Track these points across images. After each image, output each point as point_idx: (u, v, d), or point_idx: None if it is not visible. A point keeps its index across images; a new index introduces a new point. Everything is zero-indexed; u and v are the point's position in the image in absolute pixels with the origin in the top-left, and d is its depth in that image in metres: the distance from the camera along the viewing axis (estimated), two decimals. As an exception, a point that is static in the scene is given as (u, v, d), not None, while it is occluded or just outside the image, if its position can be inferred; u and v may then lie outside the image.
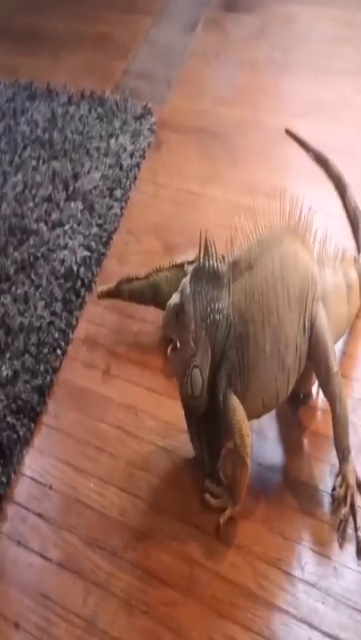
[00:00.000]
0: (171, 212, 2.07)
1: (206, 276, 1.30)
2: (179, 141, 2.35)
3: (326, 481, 1.39)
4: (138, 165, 2.22)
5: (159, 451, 1.48)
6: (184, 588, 1.28)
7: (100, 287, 1.76)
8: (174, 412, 1.45)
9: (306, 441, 1.48)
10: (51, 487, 1.46)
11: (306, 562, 1.28)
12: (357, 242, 1.85)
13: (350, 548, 1.29)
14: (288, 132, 1.88)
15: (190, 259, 1.64)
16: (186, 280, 1.29)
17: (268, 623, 1.21)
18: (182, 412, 1.37)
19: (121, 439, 1.52)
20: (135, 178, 2.19)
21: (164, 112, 2.47)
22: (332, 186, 2.06)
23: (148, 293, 1.71)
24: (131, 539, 1.36)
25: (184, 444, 1.43)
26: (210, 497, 1.38)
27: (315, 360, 1.39)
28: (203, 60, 2.79)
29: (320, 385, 1.42)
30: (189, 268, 1.54)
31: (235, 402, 1.31)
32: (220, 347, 1.31)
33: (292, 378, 1.38)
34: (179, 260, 1.69)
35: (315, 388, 1.50)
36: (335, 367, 1.38)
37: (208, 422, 1.35)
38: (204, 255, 1.30)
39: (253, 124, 2.41)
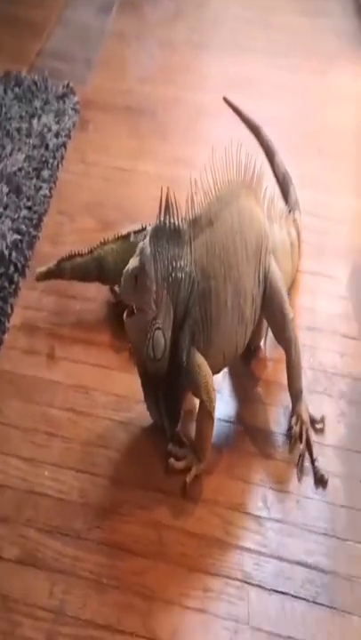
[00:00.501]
0: (103, 189, 2.01)
1: (167, 234, 1.28)
2: (105, 120, 2.30)
3: (281, 423, 1.47)
4: (64, 145, 2.15)
5: (115, 425, 1.44)
6: (154, 552, 1.27)
7: (39, 269, 1.67)
8: (126, 384, 1.45)
9: (258, 390, 1.54)
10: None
11: (270, 501, 1.34)
12: (288, 204, 1.88)
13: (309, 479, 1.38)
14: (226, 100, 1.89)
15: (137, 228, 1.59)
16: (145, 241, 1.26)
17: (240, 566, 1.26)
18: (137, 382, 1.36)
19: (73, 420, 1.45)
20: (62, 158, 2.11)
21: (87, 92, 2.41)
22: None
23: (93, 269, 1.64)
24: (94, 518, 1.30)
25: (140, 414, 1.44)
26: (174, 461, 1.38)
27: (271, 309, 1.44)
28: (122, 40, 2.76)
29: (275, 332, 1.47)
30: (138, 238, 1.52)
31: (199, 358, 1.31)
32: (183, 304, 1.29)
33: (249, 330, 1.42)
34: (124, 232, 1.63)
35: (262, 340, 1.58)
36: (291, 314, 1.45)
37: (167, 385, 1.33)
38: (164, 213, 1.28)
39: (178, 101, 2.41)
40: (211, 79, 2.53)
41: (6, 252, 1.79)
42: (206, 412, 1.32)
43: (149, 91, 2.44)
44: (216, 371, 1.39)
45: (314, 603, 1.21)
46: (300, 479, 1.38)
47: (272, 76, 2.58)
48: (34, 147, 2.12)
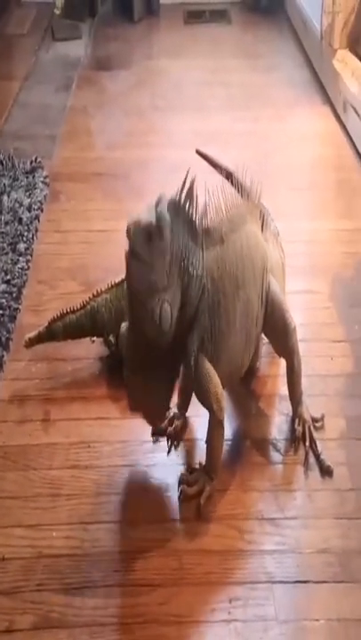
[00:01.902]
0: (83, 252, 2.11)
1: (183, 219, 1.29)
2: (77, 189, 2.42)
3: (283, 430, 1.59)
4: (38, 218, 2.25)
5: (122, 470, 1.48)
6: (176, 579, 1.31)
7: (27, 335, 1.73)
8: (129, 429, 1.52)
9: (259, 404, 1.66)
10: (4, 558, 1.36)
11: (283, 502, 1.43)
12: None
13: (315, 474, 1.50)
14: (198, 152, 1.98)
15: None
16: (162, 208, 1.24)
17: (263, 568, 1.33)
18: (141, 424, 1.44)
19: (77, 476, 1.47)
20: (37, 230, 2.21)
21: (55, 165, 2.55)
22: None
23: (87, 323, 1.70)
24: (111, 563, 1.32)
25: (146, 454, 1.52)
26: (186, 487, 1.43)
27: (272, 322, 1.51)
28: (84, 114, 2.95)
29: (278, 345, 1.58)
30: None
31: (209, 368, 1.36)
32: (192, 304, 1.32)
33: (252, 351, 1.51)
34: (118, 279, 1.70)
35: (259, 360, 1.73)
36: (293, 323, 1.53)
37: (162, 369, 1.38)
38: (186, 196, 1.28)
39: (151, 161, 2.56)
40: (178, 137, 2.71)
41: (-12, 329, 1.85)
42: (216, 422, 1.39)
43: (120, 155, 2.59)
44: (225, 381, 1.43)
45: (335, 582, 1.30)
46: (307, 475, 1.49)
47: (235, 128, 2.82)
48: (6, 223, 2.22)
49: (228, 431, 1.53)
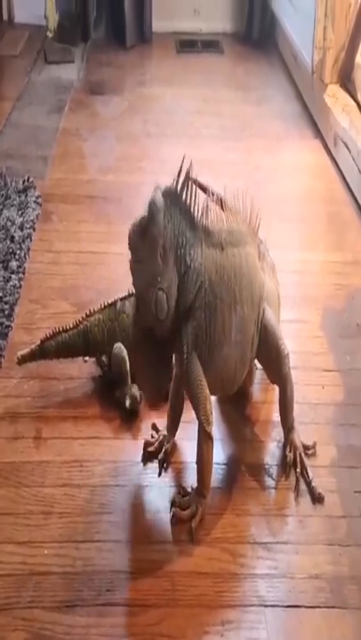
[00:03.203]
0: (75, 273, 2.15)
1: (181, 208, 1.33)
2: (69, 210, 2.47)
3: (276, 456, 1.64)
4: (30, 237, 2.29)
5: (114, 490, 1.52)
6: (168, 600, 1.33)
7: (20, 352, 1.76)
8: (121, 449, 1.57)
9: (252, 430, 1.71)
10: (-5, 575, 1.39)
11: (275, 527, 1.47)
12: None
13: (307, 500, 1.54)
14: (194, 182, 2.04)
15: (122, 296, 1.72)
16: (156, 195, 1.30)
17: (255, 592, 1.36)
18: (132, 445, 1.53)
19: (70, 495, 1.50)
20: (29, 249, 2.25)
21: (47, 186, 2.61)
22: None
23: (79, 343, 1.74)
24: (102, 583, 1.35)
25: (138, 475, 1.56)
26: (179, 510, 1.46)
27: (266, 348, 1.56)
28: (77, 136, 3.01)
29: (271, 371, 1.62)
30: (125, 304, 1.68)
31: (200, 375, 1.40)
32: (188, 297, 1.36)
33: (245, 371, 1.56)
34: (110, 300, 1.75)
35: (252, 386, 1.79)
36: (286, 350, 1.58)
37: (159, 356, 1.43)
38: (183, 184, 1.33)
39: (143, 186, 2.57)
40: (171, 164, 2.72)
41: (-19, 343, 1.88)
42: (205, 435, 1.43)
43: (112, 179, 2.65)
44: (212, 395, 1.48)
45: (327, 608, 1.33)
46: (298, 501, 1.53)
47: (227, 157, 2.92)
48: (-2, 240, 2.26)
49: (221, 456, 1.60)
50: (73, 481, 1.53)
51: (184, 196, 1.35)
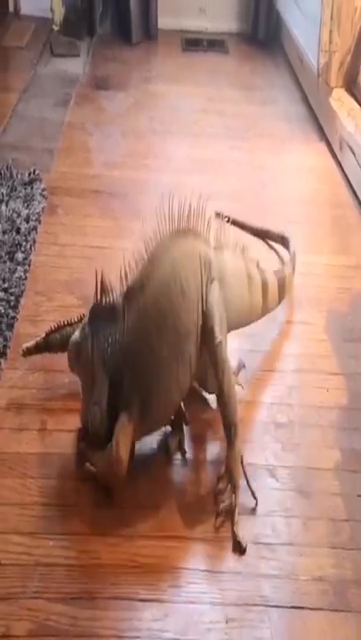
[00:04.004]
0: (81, 266, 2.16)
1: (103, 313, 1.49)
2: (75, 204, 2.48)
3: (279, 457, 1.65)
4: (35, 229, 2.30)
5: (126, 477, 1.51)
6: (172, 595, 1.35)
7: (25, 344, 1.77)
8: None
9: (248, 431, 1.70)
10: (0, 563, 1.40)
11: (279, 528, 1.49)
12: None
13: (311, 501, 1.56)
14: (220, 216, 2.05)
15: None
16: (85, 321, 1.52)
17: (259, 592, 1.37)
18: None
19: (74, 488, 1.51)
20: (35, 241, 2.26)
21: (53, 179, 2.61)
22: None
23: None
24: (107, 576, 1.36)
25: (145, 468, 1.58)
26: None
27: (203, 330, 1.51)
28: (82, 130, 3.02)
29: (208, 354, 1.52)
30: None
31: (123, 426, 1.46)
32: (118, 374, 1.47)
33: (194, 364, 1.52)
34: None
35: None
36: (219, 337, 1.50)
37: None
38: (100, 294, 1.49)
39: (149, 183, 2.63)
40: (176, 162, 2.80)
41: (-15, 335, 1.89)
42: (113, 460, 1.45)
43: (118, 175, 2.66)
44: (161, 424, 1.58)
45: (330, 610, 1.35)
46: (302, 503, 1.54)
47: (232, 156, 2.94)
48: (4, 231, 2.27)
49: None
50: (78, 473, 1.53)
51: (103, 303, 1.49)
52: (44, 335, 1.75)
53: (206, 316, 1.51)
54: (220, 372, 1.50)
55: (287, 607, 1.35)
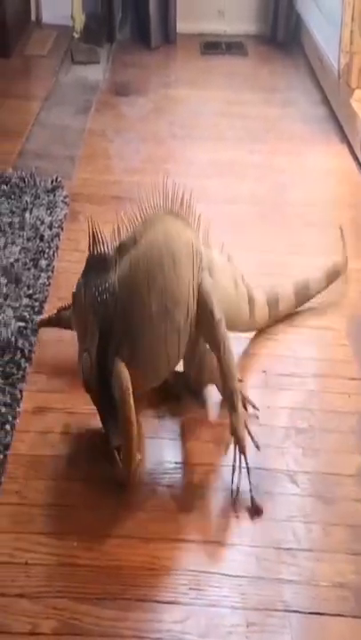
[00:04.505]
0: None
1: (95, 264, 1.56)
2: (96, 210, 2.51)
3: (300, 462, 1.67)
4: (58, 236, 2.35)
5: (142, 487, 1.56)
6: (193, 598, 1.38)
7: (39, 317, 1.91)
8: (149, 445, 1.64)
9: (266, 436, 1.71)
10: (27, 563, 1.43)
11: (299, 533, 1.50)
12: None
13: (332, 507, 1.56)
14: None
15: None
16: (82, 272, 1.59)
17: (279, 597, 1.39)
18: (165, 443, 1.59)
19: (97, 490, 1.55)
20: (57, 248, 2.30)
21: (74, 186, 2.67)
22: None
23: None
24: (129, 578, 1.40)
25: (163, 474, 1.61)
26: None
27: (201, 312, 1.61)
28: (103, 137, 3.07)
29: (206, 336, 1.64)
30: None
31: (120, 367, 1.51)
32: (108, 322, 1.53)
33: (183, 340, 1.60)
34: None
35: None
36: (218, 315, 1.62)
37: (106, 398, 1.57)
38: (93, 245, 1.55)
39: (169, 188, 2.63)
40: (197, 166, 2.84)
41: (12, 340, 1.94)
42: (123, 416, 1.51)
43: (138, 180, 2.68)
44: (150, 382, 1.62)
45: (351, 617, 1.36)
46: (322, 508, 1.55)
47: (252, 160, 2.97)
48: (28, 239, 2.32)
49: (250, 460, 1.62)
50: (101, 476, 1.57)
51: (95, 253, 1.56)
52: (56, 311, 1.85)
53: (203, 301, 1.61)
54: (222, 346, 1.61)
55: (307, 613, 1.36)
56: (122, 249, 1.55)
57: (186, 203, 1.64)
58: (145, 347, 1.54)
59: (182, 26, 4.13)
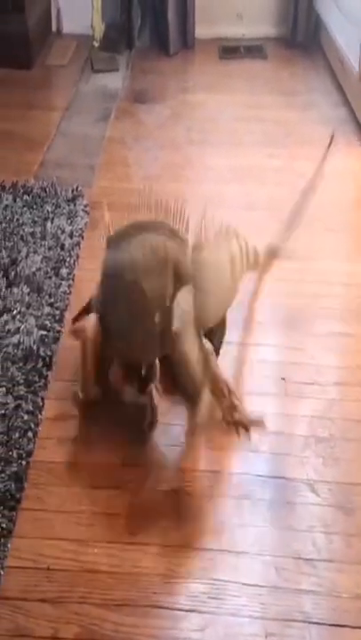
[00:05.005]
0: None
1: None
2: (116, 218, 2.52)
3: (319, 471, 1.68)
4: (79, 244, 2.38)
5: (162, 494, 1.59)
6: (212, 608, 1.39)
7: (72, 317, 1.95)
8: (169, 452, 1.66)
9: (288, 444, 1.74)
10: (48, 568, 1.47)
11: (319, 544, 1.51)
12: None
13: (353, 518, 1.57)
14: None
15: None
16: None
17: (299, 607, 1.40)
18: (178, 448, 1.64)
19: (119, 497, 1.58)
20: (78, 256, 2.34)
21: (94, 194, 2.69)
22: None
23: None
24: (149, 585, 1.42)
25: (185, 482, 1.63)
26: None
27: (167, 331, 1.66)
28: (122, 145, 3.10)
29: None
30: None
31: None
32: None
33: (156, 334, 1.67)
34: None
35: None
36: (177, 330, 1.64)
37: None
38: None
39: (189, 194, 2.66)
40: (214, 172, 2.85)
41: (34, 348, 1.98)
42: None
43: (157, 188, 2.69)
44: (128, 345, 1.76)
45: None
46: (343, 519, 1.55)
47: (271, 164, 2.97)
48: (49, 248, 2.36)
49: (264, 469, 1.66)
50: (122, 483, 1.60)
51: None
52: (87, 302, 1.90)
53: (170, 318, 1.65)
54: (177, 354, 1.65)
55: (328, 624, 1.36)
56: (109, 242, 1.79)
57: (174, 210, 1.70)
58: (118, 319, 1.73)
59: (201, 31, 4.14)
